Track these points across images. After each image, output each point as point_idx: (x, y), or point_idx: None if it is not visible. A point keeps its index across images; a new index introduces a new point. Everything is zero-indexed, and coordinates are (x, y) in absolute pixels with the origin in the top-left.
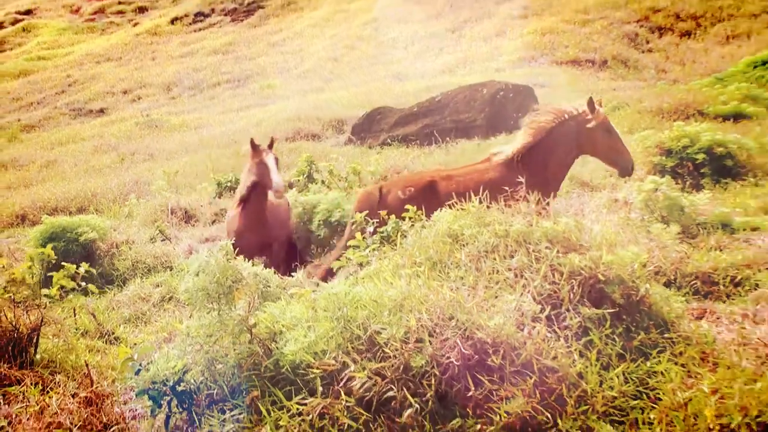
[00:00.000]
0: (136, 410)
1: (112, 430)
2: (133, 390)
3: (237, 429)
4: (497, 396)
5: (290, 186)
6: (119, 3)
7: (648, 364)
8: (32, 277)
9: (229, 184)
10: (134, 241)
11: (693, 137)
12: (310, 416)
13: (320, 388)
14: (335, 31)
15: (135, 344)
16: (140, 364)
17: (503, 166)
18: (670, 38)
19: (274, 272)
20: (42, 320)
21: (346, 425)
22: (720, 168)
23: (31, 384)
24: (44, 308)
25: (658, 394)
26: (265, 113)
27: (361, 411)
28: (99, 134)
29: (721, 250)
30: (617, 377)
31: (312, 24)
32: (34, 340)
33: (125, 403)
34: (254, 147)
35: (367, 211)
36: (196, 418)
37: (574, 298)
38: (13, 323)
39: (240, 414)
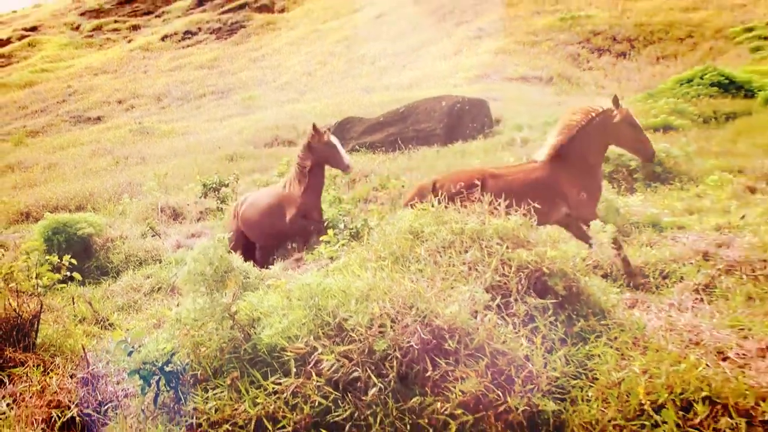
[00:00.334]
0: (128, 389)
1: (106, 407)
2: (125, 371)
3: (219, 406)
4: (453, 376)
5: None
6: (115, 21)
7: (587, 347)
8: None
9: (213, 185)
10: (127, 237)
11: None
12: (285, 395)
13: (294, 369)
14: (310, 49)
15: (128, 329)
16: (132, 347)
17: (547, 165)
18: (608, 58)
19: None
20: (41, 307)
21: (317, 402)
22: (651, 174)
23: (34, 366)
24: (42, 296)
25: (596, 374)
26: (246, 122)
27: (331, 390)
28: (96, 140)
29: (651, 247)
30: (559, 360)
31: (289, 42)
32: (35, 326)
33: (118, 383)
34: (316, 130)
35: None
36: (182, 396)
37: (522, 289)
38: (16, 310)
39: (221, 392)
